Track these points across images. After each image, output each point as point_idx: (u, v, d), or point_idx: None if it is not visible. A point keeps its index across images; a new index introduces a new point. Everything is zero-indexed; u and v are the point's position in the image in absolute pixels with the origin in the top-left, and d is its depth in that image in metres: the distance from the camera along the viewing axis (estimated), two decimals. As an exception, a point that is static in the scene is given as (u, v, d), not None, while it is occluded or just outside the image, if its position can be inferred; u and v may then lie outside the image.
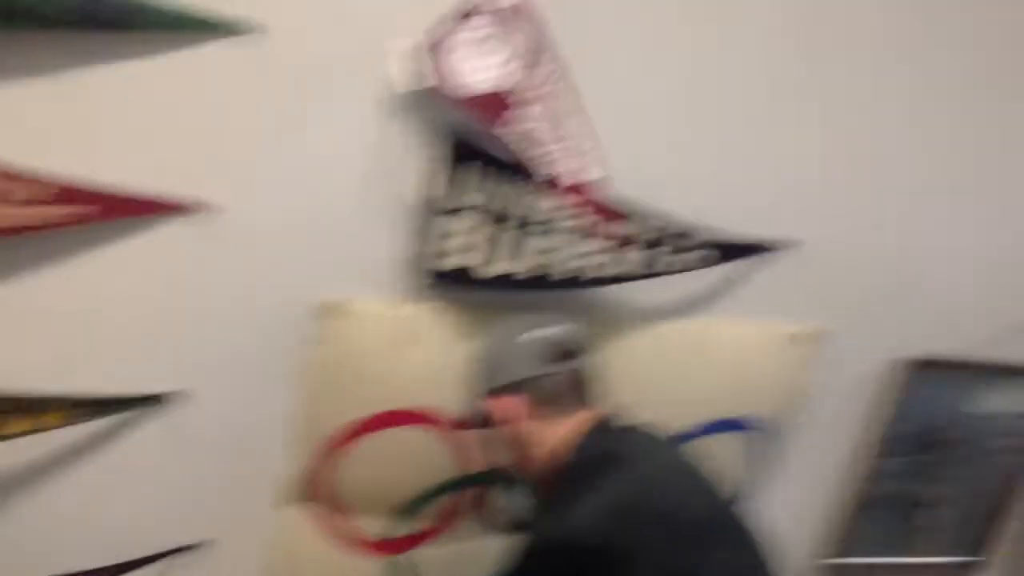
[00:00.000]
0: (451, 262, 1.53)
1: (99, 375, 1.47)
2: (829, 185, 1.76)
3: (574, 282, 1.59)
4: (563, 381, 1.42)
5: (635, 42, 1.53)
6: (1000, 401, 2.10)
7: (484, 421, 1.47)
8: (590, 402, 1.42)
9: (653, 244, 1.62)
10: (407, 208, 1.53)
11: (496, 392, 1.45)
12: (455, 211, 1.50)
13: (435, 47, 1.36)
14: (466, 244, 1.53)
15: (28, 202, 1.33)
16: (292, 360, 1.57)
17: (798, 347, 1.82)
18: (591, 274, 1.59)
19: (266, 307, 1.53)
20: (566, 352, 1.44)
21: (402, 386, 1.60)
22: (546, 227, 1.55)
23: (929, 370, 1.97)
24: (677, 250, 1.65)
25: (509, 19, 1.37)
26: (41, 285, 1.39)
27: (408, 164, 1.50)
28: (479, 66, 1.38)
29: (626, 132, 1.56)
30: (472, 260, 1.54)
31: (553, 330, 1.47)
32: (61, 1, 1.23)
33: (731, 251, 1.71)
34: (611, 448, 1.29)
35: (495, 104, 1.39)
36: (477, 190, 1.50)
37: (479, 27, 1.37)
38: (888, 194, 1.81)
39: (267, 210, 1.47)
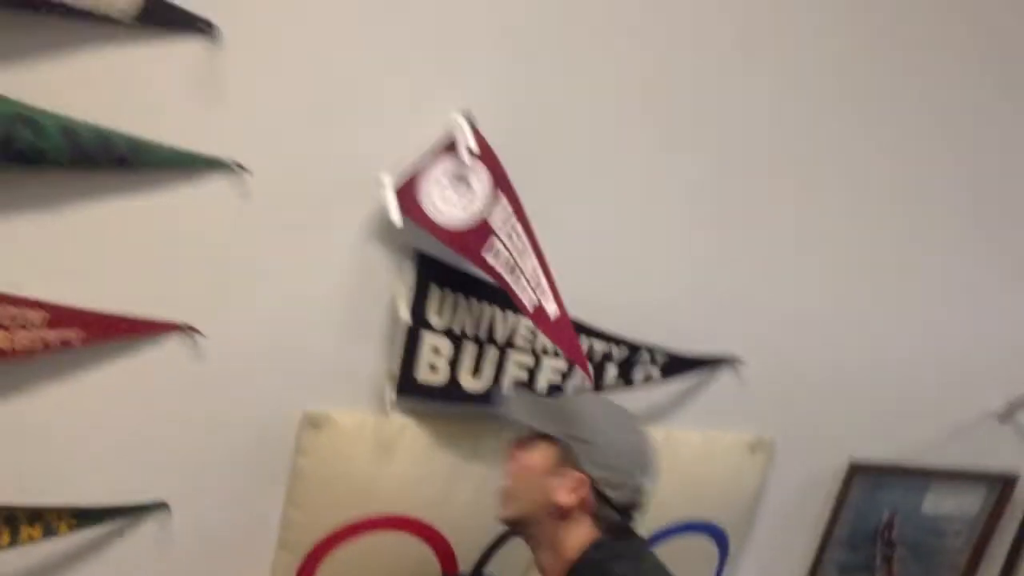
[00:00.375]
0: (427, 377, 1.59)
1: (96, 486, 1.50)
2: (771, 304, 1.87)
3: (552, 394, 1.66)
4: (631, 500, 1.40)
5: (582, 181, 1.64)
6: (942, 503, 2.21)
7: (538, 468, 1.41)
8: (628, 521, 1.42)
9: (611, 360, 1.72)
10: (386, 326, 1.59)
11: (573, 461, 1.38)
12: (431, 329, 1.57)
13: (412, 182, 1.45)
14: (442, 360, 1.59)
15: (24, 326, 1.36)
16: (277, 470, 1.63)
17: (755, 454, 1.92)
18: (561, 389, 1.66)
19: (252, 420, 1.59)
20: (651, 474, 1.42)
21: (382, 494, 1.66)
22: (517, 346, 1.63)
23: (874, 473, 2.08)
24: (632, 365, 1.75)
25: (475, 160, 1.46)
26: (39, 404, 1.43)
27: (387, 285, 1.57)
28: (450, 201, 1.46)
29: (581, 262, 1.66)
30: (447, 375, 1.61)
31: (652, 447, 1.44)
32: (67, 143, 1.27)
33: (684, 365, 1.82)
34: (619, 552, 1.36)
35: (465, 237, 1.47)
36: (453, 310, 1.57)
37: (449, 166, 1.45)
38: (827, 308, 1.92)
39: (254, 329, 1.53)
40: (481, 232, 1.46)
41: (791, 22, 1.66)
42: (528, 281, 1.47)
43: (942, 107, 1.83)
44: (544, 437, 1.42)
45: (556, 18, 1.51)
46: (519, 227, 1.50)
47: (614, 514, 1.38)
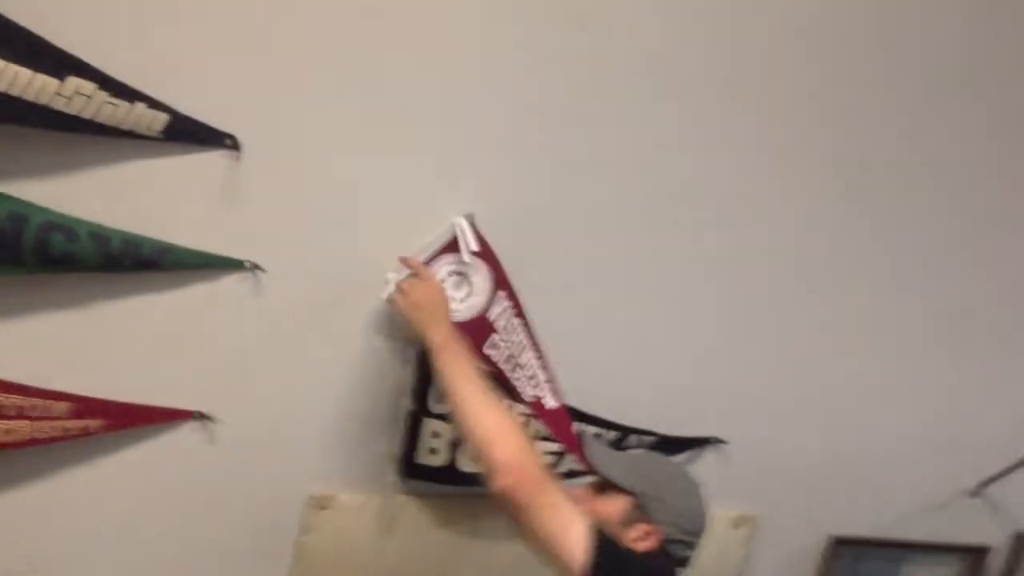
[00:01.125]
0: (428, 459, 1.68)
1: (110, 567, 1.59)
2: (754, 388, 1.96)
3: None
4: (685, 557, 1.43)
5: (577, 279, 1.75)
6: (918, 573, 2.29)
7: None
8: None
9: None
10: (388, 412, 1.68)
11: (647, 515, 1.41)
12: (432, 415, 1.65)
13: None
14: (442, 443, 1.68)
15: (48, 417, 1.44)
16: (283, 548, 1.71)
17: (739, 529, 2.00)
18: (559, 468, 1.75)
19: (260, 501, 1.67)
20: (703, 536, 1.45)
21: (385, 571, 1.73)
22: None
23: (855, 547, 2.17)
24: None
25: (475, 259, 1.55)
26: (57, 489, 1.51)
27: (390, 374, 1.66)
28: (451, 298, 1.54)
29: (575, 353, 1.73)
30: (447, 458, 1.69)
31: (708, 510, 1.47)
32: (97, 247, 1.37)
33: (671, 446, 1.90)
34: None
35: (466, 331, 1.53)
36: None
37: (450, 265, 1.55)
38: (807, 392, 2.01)
39: (264, 416, 1.62)
40: (481, 327, 1.55)
41: (797, 109, 1.76)
42: (526, 374, 1.56)
43: (930, 200, 1.94)
44: (618, 488, 1.45)
45: (551, 120, 1.61)
46: (516, 322, 1.59)
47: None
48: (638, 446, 1.86)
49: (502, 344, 1.57)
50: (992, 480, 2.19)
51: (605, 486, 1.47)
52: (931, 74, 1.82)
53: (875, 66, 1.77)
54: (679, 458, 1.92)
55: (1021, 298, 2.08)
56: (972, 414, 2.14)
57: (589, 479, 1.52)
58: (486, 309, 1.56)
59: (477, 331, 1.55)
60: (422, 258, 1.55)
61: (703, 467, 1.96)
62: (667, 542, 1.40)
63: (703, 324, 1.85)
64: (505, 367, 1.57)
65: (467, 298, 1.56)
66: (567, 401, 1.68)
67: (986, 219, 2.00)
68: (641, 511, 1.41)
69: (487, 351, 1.56)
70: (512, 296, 1.60)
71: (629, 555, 1.35)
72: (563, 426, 1.52)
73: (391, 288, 1.52)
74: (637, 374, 1.84)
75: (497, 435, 1.33)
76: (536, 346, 1.61)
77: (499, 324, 1.57)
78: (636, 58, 1.61)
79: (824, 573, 2.18)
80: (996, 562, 2.35)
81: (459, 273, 1.56)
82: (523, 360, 1.59)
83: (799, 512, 2.10)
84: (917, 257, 1.98)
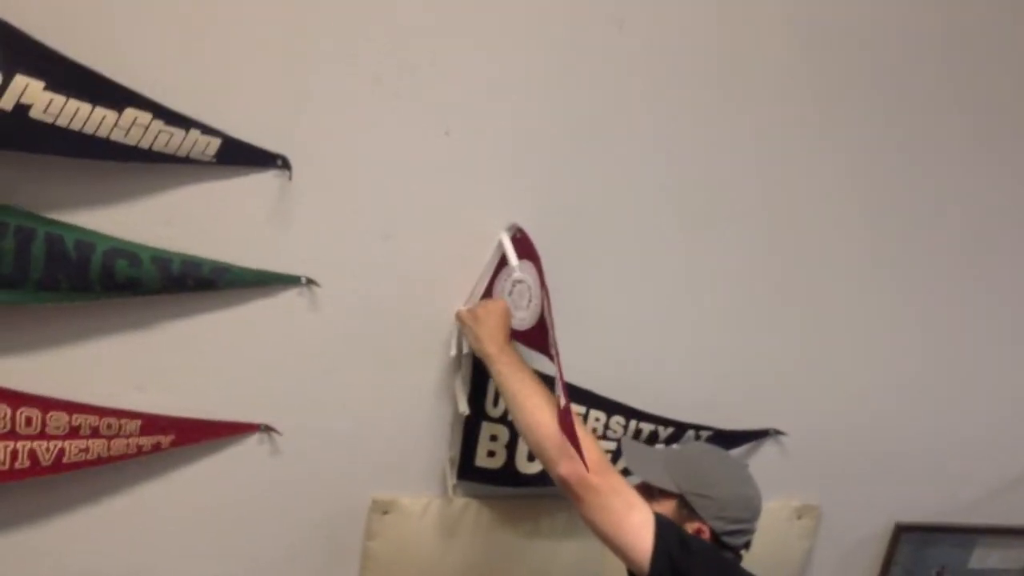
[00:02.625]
0: (486, 462, 1.71)
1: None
2: (812, 374, 1.94)
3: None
4: (743, 543, 1.45)
5: (627, 262, 1.74)
6: (989, 557, 2.25)
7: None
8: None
9: (658, 439, 1.83)
10: (447, 417, 1.72)
11: (694, 514, 1.43)
12: (489, 419, 1.68)
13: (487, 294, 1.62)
14: (499, 446, 1.71)
15: (119, 435, 1.50)
16: (350, 554, 1.76)
17: (802, 520, 1.99)
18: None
19: (325, 508, 1.72)
20: (759, 518, 1.47)
21: (448, 572, 1.77)
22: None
23: (921, 533, 2.14)
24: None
25: (524, 263, 1.58)
26: (135, 504, 1.58)
27: (446, 380, 1.69)
28: (517, 306, 1.59)
29: (628, 351, 1.78)
30: (504, 460, 1.73)
31: (758, 490, 1.49)
32: (159, 271, 1.42)
33: (729, 440, 1.89)
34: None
35: (534, 334, 1.58)
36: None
37: (508, 277, 1.59)
38: (866, 376, 1.98)
39: (325, 425, 1.66)
40: (542, 327, 1.56)
41: (831, 107, 1.74)
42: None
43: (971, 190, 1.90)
44: (662, 490, 1.46)
45: (591, 126, 1.62)
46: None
47: (729, 554, 1.42)
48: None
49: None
50: (1058, 461, 2.15)
51: (651, 488, 1.48)
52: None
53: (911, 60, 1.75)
54: (738, 451, 1.91)
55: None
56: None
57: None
58: (542, 311, 1.58)
59: (539, 333, 1.57)
60: (486, 278, 1.62)
61: (763, 459, 1.95)
62: (721, 535, 1.41)
63: (758, 316, 1.84)
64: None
65: (530, 304, 1.59)
66: (622, 398, 1.72)
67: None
68: (689, 510, 1.43)
69: (551, 350, 1.56)
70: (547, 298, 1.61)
71: (694, 540, 1.35)
72: (567, 424, 1.51)
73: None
74: (692, 369, 1.85)
75: (555, 428, 1.36)
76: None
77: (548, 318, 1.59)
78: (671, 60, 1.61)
79: (889, 560, 2.16)
80: (1069, 544, 2.30)
81: (519, 282, 1.59)
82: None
83: (863, 500, 2.08)
84: (984, 241, 1.94)
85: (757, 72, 1.66)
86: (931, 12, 1.71)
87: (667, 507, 1.43)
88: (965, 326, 2.00)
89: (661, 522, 1.32)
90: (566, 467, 1.35)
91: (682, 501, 1.44)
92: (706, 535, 1.41)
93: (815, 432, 1.97)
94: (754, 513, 1.45)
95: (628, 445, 1.64)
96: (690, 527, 1.41)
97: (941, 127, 1.81)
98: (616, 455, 1.72)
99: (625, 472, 1.51)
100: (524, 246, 1.58)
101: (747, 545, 1.47)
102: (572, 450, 1.32)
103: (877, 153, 1.79)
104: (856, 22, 1.67)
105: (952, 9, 1.72)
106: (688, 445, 1.69)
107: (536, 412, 1.41)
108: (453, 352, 1.64)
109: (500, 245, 1.60)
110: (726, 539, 1.42)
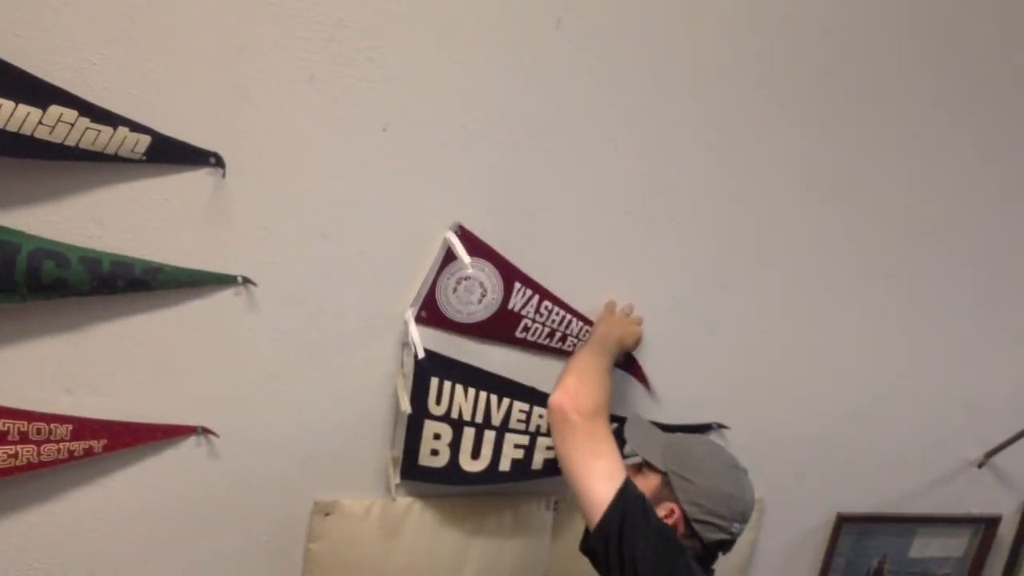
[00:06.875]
0: (429, 461, 1.70)
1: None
2: (753, 367, 1.96)
3: (549, 471, 1.75)
4: (718, 540, 1.44)
5: (574, 259, 1.74)
6: (929, 546, 2.30)
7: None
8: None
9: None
10: (389, 416, 1.71)
11: (672, 495, 1.45)
12: (432, 417, 1.68)
13: (430, 301, 1.65)
14: (442, 445, 1.70)
15: (50, 440, 1.46)
16: (292, 557, 1.74)
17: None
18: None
19: (265, 512, 1.70)
20: (744, 521, 1.48)
21: (392, 573, 1.75)
22: (513, 428, 1.74)
23: (862, 524, 2.18)
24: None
25: (479, 261, 1.63)
26: (68, 510, 1.55)
27: (389, 379, 1.68)
28: (466, 301, 1.66)
29: None
30: (448, 459, 1.71)
31: (750, 496, 1.49)
32: (88, 271, 1.39)
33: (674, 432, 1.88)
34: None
35: (491, 325, 1.68)
36: (451, 399, 1.68)
37: (453, 274, 1.63)
38: (806, 368, 2.01)
39: (263, 427, 1.64)
40: (506, 319, 1.70)
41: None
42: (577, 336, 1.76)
43: (927, 172, 1.91)
44: (652, 466, 1.50)
45: (530, 125, 1.61)
46: (548, 304, 1.72)
47: (698, 546, 1.43)
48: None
49: (536, 325, 1.72)
50: (998, 450, 2.19)
51: (644, 464, 1.53)
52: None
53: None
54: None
55: (1018, 271, 2.07)
56: (974, 386, 2.14)
57: (633, 459, 1.58)
58: (504, 303, 1.67)
59: (503, 323, 1.70)
60: (431, 278, 1.63)
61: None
62: (693, 522, 1.42)
63: (701, 310, 1.86)
64: (549, 340, 1.75)
65: (483, 298, 1.67)
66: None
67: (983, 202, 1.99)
68: (669, 489, 1.45)
69: (519, 335, 1.72)
70: (531, 284, 1.68)
71: (657, 519, 1.37)
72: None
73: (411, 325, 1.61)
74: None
75: (577, 370, 1.50)
76: (581, 315, 1.75)
77: (526, 311, 1.70)
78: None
79: (832, 551, 2.19)
80: (1007, 531, 2.34)
81: (466, 279, 1.64)
82: (572, 329, 1.75)
83: (805, 492, 2.11)
84: (921, 236, 1.97)
85: (712, 67, 1.67)
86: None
87: (651, 482, 1.48)
88: (904, 321, 2.04)
89: (630, 487, 1.35)
90: (555, 396, 1.46)
91: (665, 479, 1.47)
92: (676, 515, 1.43)
93: (757, 425, 1.99)
94: (733, 513, 1.45)
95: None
96: (664, 507, 1.43)
97: (888, 125, 1.84)
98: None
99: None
100: (473, 242, 1.60)
101: (723, 546, 1.47)
102: (566, 382, 1.45)
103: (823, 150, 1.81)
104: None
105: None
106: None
107: (583, 364, 1.54)
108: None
109: (444, 244, 1.59)
110: (697, 527, 1.43)
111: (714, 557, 1.48)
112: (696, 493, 1.44)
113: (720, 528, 1.43)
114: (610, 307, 1.76)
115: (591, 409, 1.44)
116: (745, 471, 1.52)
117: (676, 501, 1.44)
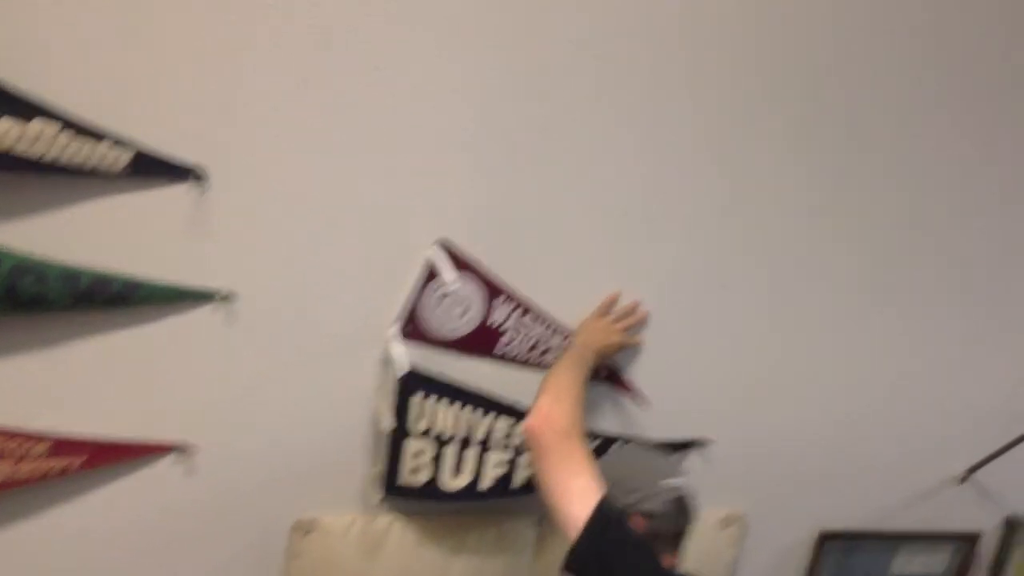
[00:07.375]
0: (410, 478, 1.69)
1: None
2: (735, 383, 1.96)
3: (531, 488, 1.74)
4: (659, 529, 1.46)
5: (562, 272, 1.75)
6: (910, 563, 2.30)
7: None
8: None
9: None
10: (370, 433, 1.70)
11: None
12: (413, 434, 1.66)
13: (412, 317, 1.65)
14: (424, 462, 1.68)
15: (26, 457, 1.45)
16: (273, 574, 1.72)
17: (728, 529, 2.01)
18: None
19: (245, 530, 1.68)
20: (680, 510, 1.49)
21: (370, 592, 1.74)
22: (494, 446, 1.73)
23: (844, 540, 2.19)
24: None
25: (461, 277, 1.64)
26: (44, 529, 1.53)
27: (370, 396, 1.67)
28: (448, 318, 1.67)
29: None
30: (430, 476, 1.70)
31: (680, 483, 1.51)
32: (67, 287, 1.38)
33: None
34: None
35: (473, 341, 1.69)
36: (433, 416, 1.66)
37: (435, 291, 1.64)
38: (789, 384, 2.01)
39: (243, 444, 1.63)
40: (486, 334, 1.71)
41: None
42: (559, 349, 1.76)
43: (918, 182, 1.92)
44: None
45: (520, 134, 1.62)
46: (528, 319, 1.74)
47: (663, 527, 1.45)
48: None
49: (517, 340, 1.74)
50: (979, 466, 2.20)
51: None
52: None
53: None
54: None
55: (997, 285, 2.08)
56: (955, 402, 2.14)
57: None
58: (485, 318, 1.68)
59: (483, 339, 1.72)
60: (415, 293, 1.63)
61: (689, 468, 1.96)
62: (633, 507, 1.43)
63: (683, 325, 1.86)
64: (532, 354, 1.76)
65: (465, 314, 1.68)
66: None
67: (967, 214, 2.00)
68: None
69: (500, 351, 1.75)
70: (512, 299, 1.70)
71: (623, 532, 1.36)
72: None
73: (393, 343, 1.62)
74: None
75: (552, 389, 1.49)
76: (562, 327, 1.75)
77: (507, 326, 1.72)
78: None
79: (814, 568, 2.19)
80: (988, 548, 2.35)
81: (445, 295, 1.64)
82: (553, 343, 1.76)
83: (787, 509, 2.11)
84: (896, 250, 1.98)
85: (705, 76, 1.67)
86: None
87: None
88: (886, 339, 2.04)
89: (605, 505, 1.34)
90: (528, 420, 1.45)
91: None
92: (639, 524, 1.43)
93: (740, 442, 1.99)
94: (645, 483, 1.47)
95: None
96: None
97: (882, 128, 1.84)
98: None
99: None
100: (456, 258, 1.62)
101: (681, 514, 1.48)
102: (539, 403, 1.45)
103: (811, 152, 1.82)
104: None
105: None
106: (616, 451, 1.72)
107: (559, 379, 1.53)
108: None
109: (428, 260, 1.60)
110: (641, 509, 1.44)
111: (682, 533, 1.49)
112: (620, 488, 1.44)
113: (645, 498, 1.45)
114: (603, 308, 1.76)
115: (565, 427, 1.43)
116: (658, 454, 1.60)
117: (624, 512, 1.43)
